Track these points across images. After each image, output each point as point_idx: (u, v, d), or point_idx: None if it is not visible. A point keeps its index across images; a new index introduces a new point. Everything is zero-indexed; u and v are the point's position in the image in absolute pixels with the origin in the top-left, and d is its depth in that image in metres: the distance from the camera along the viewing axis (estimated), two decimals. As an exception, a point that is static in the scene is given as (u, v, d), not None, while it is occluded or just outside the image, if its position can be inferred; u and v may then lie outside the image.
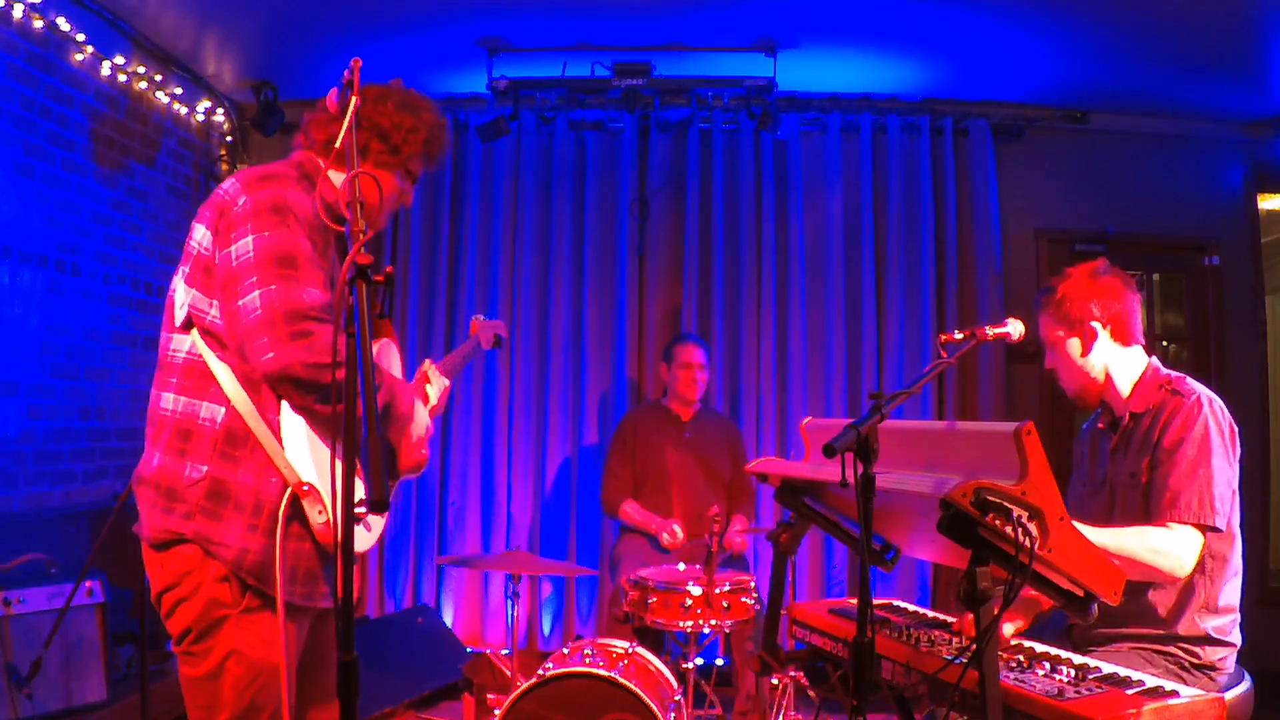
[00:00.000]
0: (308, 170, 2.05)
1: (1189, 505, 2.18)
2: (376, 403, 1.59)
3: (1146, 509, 2.28)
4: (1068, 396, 2.57)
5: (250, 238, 1.85)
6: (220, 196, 1.94)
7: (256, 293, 1.81)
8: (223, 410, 1.90)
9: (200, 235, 1.94)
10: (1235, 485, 2.26)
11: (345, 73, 1.77)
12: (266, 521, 1.88)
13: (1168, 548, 2.15)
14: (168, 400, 1.95)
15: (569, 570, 4.44)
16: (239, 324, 1.84)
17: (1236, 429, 2.31)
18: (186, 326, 1.94)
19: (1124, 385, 2.43)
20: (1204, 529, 2.18)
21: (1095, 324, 2.41)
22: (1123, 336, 2.43)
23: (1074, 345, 2.45)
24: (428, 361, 2.48)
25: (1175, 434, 2.25)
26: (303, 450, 1.89)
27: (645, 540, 4.21)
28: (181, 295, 1.96)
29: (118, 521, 2.41)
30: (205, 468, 1.88)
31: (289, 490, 1.88)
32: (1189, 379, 2.38)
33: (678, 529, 4.06)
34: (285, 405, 1.89)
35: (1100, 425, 2.54)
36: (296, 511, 1.90)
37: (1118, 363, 2.43)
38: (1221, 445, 2.24)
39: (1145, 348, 2.48)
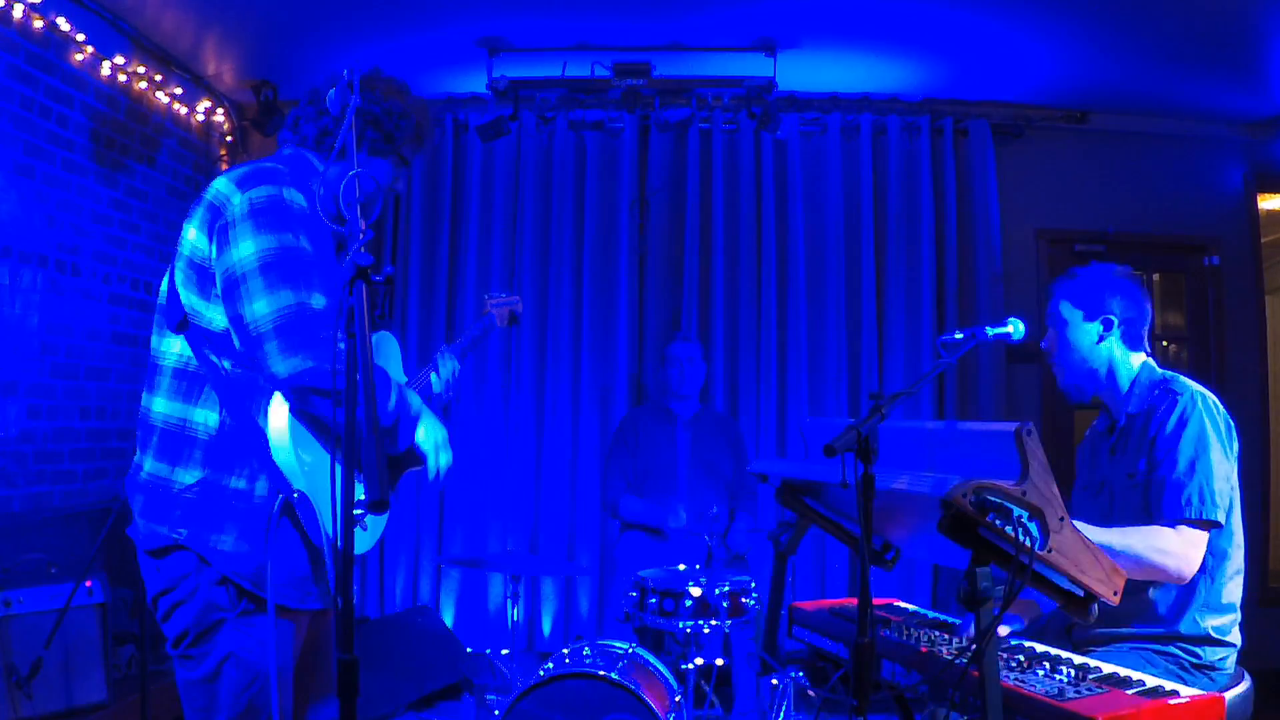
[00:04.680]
0: (299, 167, 2.03)
1: (1189, 501, 2.18)
2: (377, 403, 1.59)
3: (1145, 509, 2.28)
4: (1060, 386, 2.55)
5: (250, 242, 1.81)
6: (213, 197, 1.88)
7: (262, 300, 1.78)
8: (215, 416, 1.88)
9: (194, 237, 1.88)
10: (1235, 481, 2.26)
11: (344, 71, 1.77)
12: (258, 526, 1.87)
13: (1173, 548, 2.16)
14: (159, 405, 1.93)
15: (569, 570, 4.44)
16: (245, 334, 1.81)
17: (1233, 424, 2.31)
18: (179, 329, 1.91)
19: (1123, 385, 2.44)
20: (1207, 525, 2.18)
21: (1112, 318, 2.43)
22: (1131, 340, 2.45)
23: (1090, 330, 2.45)
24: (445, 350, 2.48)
25: (1171, 431, 2.26)
26: (292, 457, 1.87)
27: (645, 539, 4.20)
28: (173, 297, 1.92)
29: (117, 522, 2.42)
30: (198, 474, 1.88)
31: (280, 497, 1.87)
32: (1183, 377, 2.39)
33: (681, 512, 4.05)
34: (275, 412, 1.87)
35: (1099, 428, 2.54)
36: (289, 515, 1.90)
37: (1121, 363, 2.45)
38: (1218, 440, 2.24)
39: (1149, 355, 2.49)
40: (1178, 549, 2.16)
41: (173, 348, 1.93)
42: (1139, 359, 2.46)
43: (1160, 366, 2.46)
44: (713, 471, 4.32)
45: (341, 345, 1.78)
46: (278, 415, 1.87)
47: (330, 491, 1.89)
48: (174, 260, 1.95)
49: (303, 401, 1.84)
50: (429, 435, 2.01)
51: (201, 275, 1.88)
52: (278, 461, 1.87)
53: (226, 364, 1.88)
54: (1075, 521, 1.76)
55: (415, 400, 2.01)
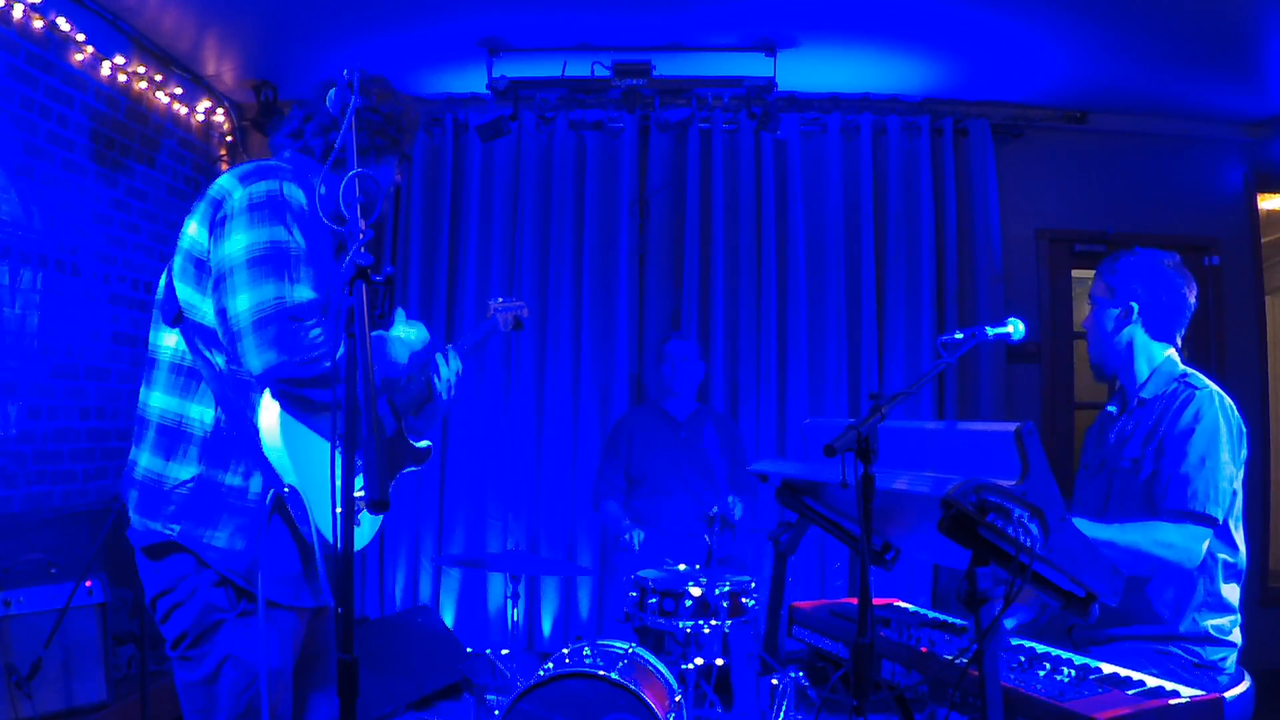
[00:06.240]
0: (301, 166, 2.04)
1: (1195, 494, 2.19)
2: (376, 403, 1.59)
3: (1148, 498, 2.29)
4: (1090, 363, 2.59)
5: (242, 235, 1.83)
6: (215, 192, 1.91)
7: (244, 295, 1.80)
8: (211, 413, 1.89)
9: (194, 231, 1.91)
10: (1238, 486, 2.27)
11: (344, 71, 1.78)
12: (252, 523, 1.88)
13: (1176, 541, 2.17)
14: (156, 399, 1.94)
15: (569, 570, 4.44)
16: (227, 328, 1.82)
17: (1245, 431, 2.32)
18: (174, 323, 1.93)
19: (1142, 371, 2.46)
20: (1207, 520, 2.18)
21: (1134, 304, 2.44)
22: (1156, 329, 2.46)
23: (1112, 314, 2.48)
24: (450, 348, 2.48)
25: (1185, 425, 2.26)
26: (284, 452, 1.88)
27: (646, 540, 4.20)
28: (170, 292, 1.93)
29: (117, 522, 2.42)
30: (192, 469, 1.88)
31: (272, 493, 1.88)
32: (1202, 375, 2.40)
33: (638, 535, 4.00)
34: (268, 407, 1.88)
35: (1110, 409, 2.55)
36: (281, 512, 1.90)
37: (1142, 350, 2.46)
38: (1229, 442, 2.25)
39: (1178, 350, 2.49)
40: (1180, 541, 2.17)
41: (168, 342, 1.94)
42: (1165, 350, 2.47)
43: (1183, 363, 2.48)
44: (709, 471, 4.32)
45: (321, 336, 1.80)
46: (269, 411, 1.87)
47: (321, 485, 1.90)
48: (173, 255, 1.96)
49: (281, 393, 1.85)
50: (399, 353, 2.07)
51: (199, 268, 1.89)
52: (269, 457, 1.87)
53: (220, 359, 1.89)
54: (1076, 519, 1.76)
55: (398, 352, 2.04)
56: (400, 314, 2.19)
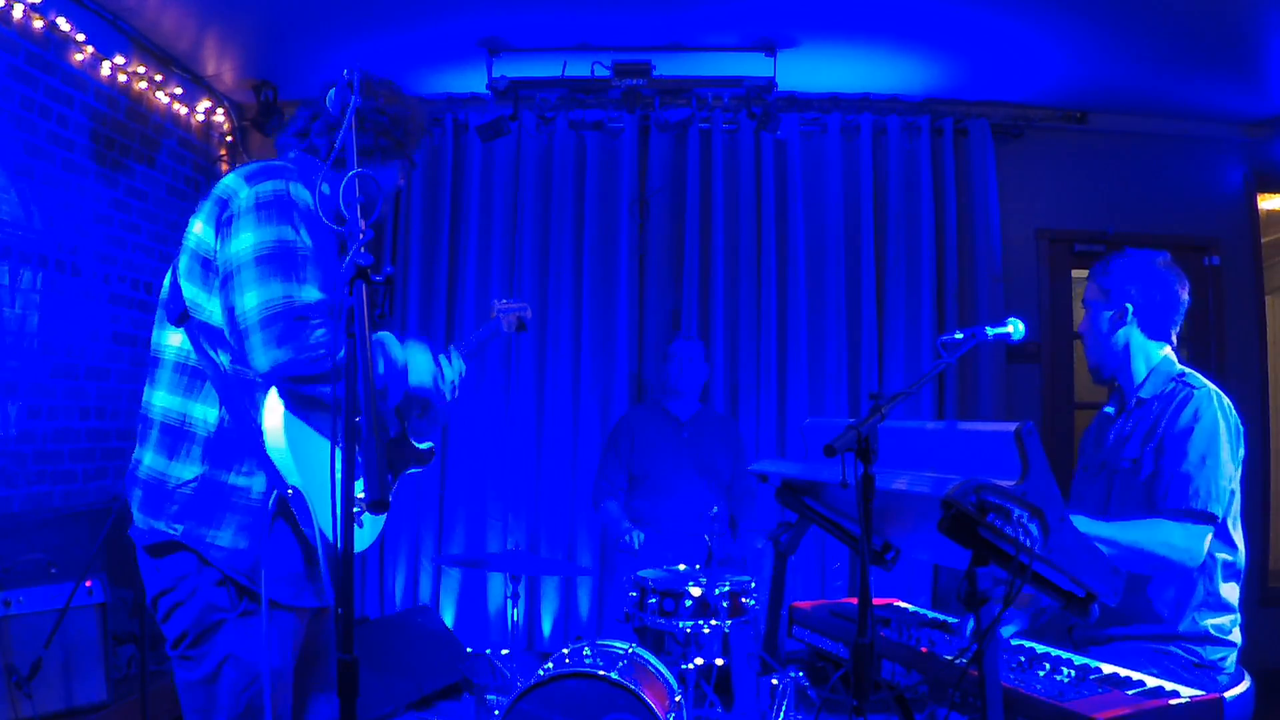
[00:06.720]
0: (306, 166, 2.04)
1: (1196, 493, 2.19)
2: (376, 403, 1.59)
3: (1146, 496, 2.29)
4: (1088, 366, 2.60)
5: (250, 234, 1.84)
6: (221, 191, 1.91)
7: (252, 293, 1.80)
8: (215, 413, 1.89)
9: (200, 230, 1.91)
10: (1237, 485, 2.27)
11: (344, 71, 1.78)
12: (255, 522, 1.88)
13: (1177, 541, 2.17)
14: (160, 398, 1.94)
15: (569, 570, 4.43)
16: (234, 326, 1.83)
17: (1243, 430, 2.32)
18: (179, 322, 1.93)
19: (1139, 371, 2.47)
20: (1209, 519, 2.19)
21: (1129, 305, 2.45)
22: (1151, 329, 2.47)
23: (1106, 317, 2.49)
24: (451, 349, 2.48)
25: (1185, 424, 2.26)
26: (287, 453, 1.88)
27: (646, 540, 4.20)
28: (175, 291, 1.94)
29: (117, 522, 2.43)
30: (196, 468, 1.88)
31: (274, 493, 1.88)
32: (1200, 374, 2.40)
33: (638, 536, 4.01)
34: (273, 408, 1.88)
35: (1108, 410, 2.55)
36: (284, 512, 1.90)
37: (1138, 350, 2.47)
38: (1228, 441, 2.25)
39: (1173, 349, 2.50)
40: (1182, 540, 2.17)
41: (172, 341, 1.94)
42: (1162, 349, 2.47)
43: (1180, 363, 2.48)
44: (711, 472, 4.31)
45: (325, 335, 1.79)
46: (273, 411, 1.88)
47: (324, 486, 1.90)
48: (177, 255, 1.96)
49: (286, 392, 1.85)
50: (420, 373, 2.04)
51: (206, 267, 1.90)
52: (272, 457, 1.87)
53: (224, 359, 1.89)
54: (1078, 517, 1.76)
55: (396, 352, 2.00)
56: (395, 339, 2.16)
